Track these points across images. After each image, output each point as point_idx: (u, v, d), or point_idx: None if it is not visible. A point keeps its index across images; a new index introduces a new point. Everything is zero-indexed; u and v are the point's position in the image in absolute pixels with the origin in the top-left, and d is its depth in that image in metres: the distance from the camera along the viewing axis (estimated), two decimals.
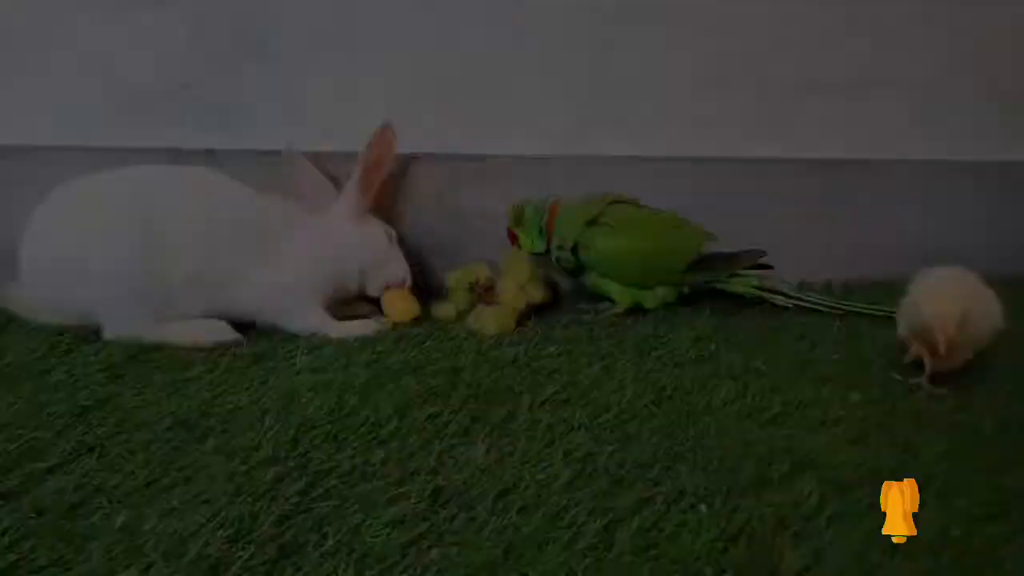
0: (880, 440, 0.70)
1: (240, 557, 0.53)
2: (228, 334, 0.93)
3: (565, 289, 1.16)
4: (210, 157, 1.08)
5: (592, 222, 1.04)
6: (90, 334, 0.93)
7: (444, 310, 1.05)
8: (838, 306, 1.05)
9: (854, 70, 1.14)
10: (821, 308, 1.05)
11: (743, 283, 1.06)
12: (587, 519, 0.58)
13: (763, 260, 1.06)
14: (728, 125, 1.15)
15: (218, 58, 1.07)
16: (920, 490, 0.57)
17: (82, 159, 1.05)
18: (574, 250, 1.04)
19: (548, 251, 1.06)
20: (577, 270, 1.07)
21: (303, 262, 0.95)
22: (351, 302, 1.04)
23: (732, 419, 0.74)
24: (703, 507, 0.60)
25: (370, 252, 1.01)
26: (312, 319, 0.96)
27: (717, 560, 0.53)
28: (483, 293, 1.04)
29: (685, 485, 0.62)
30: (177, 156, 1.08)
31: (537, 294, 1.05)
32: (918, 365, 0.83)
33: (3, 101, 1.07)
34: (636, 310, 1.06)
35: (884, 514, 0.57)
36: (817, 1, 1.11)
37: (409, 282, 1.04)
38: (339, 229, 1.00)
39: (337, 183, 1.05)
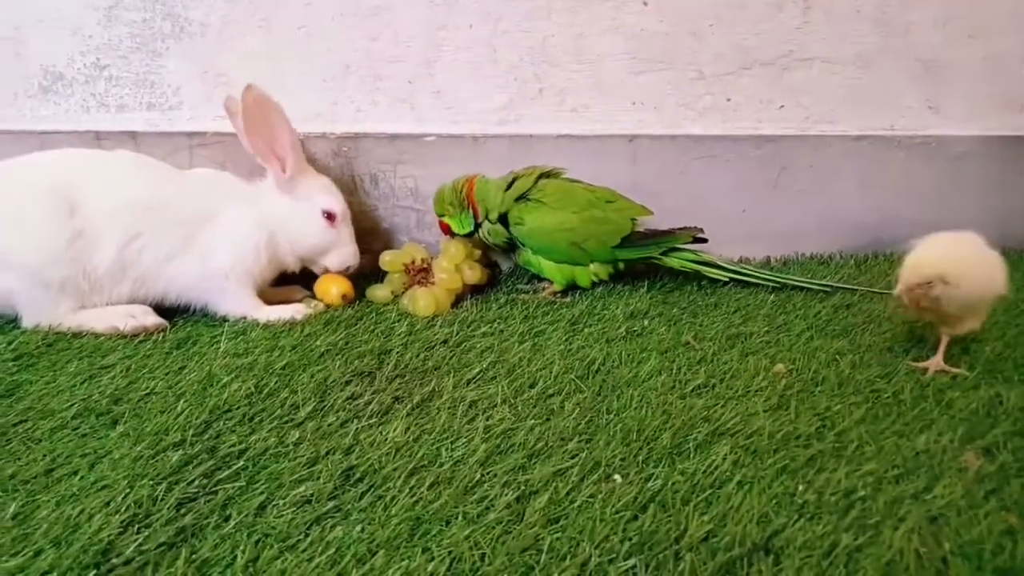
0: (800, 408, 0.70)
1: (134, 541, 0.51)
2: (150, 319, 0.90)
3: (504, 270, 1.15)
4: (132, 139, 1.05)
5: (522, 197, 1.02)
6: (5, 324, 0.89)
7: (379, 292, 1.03)
8: (774, 279, 1.05)
9: (788, 45, 1.14)
10: (757, 282, 1.05)
11: (679, 258, 1.06)
12: (499, 492, 0.57)
13: (699, 235, 1.06)
14: (664, 102, 1.15)
15: (136, 37, 1.04)
16: (832, 456, 0.57)
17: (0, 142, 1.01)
18: (503, 221, 1.03)
19: (477, 228, 1.04)
20: (510, 246, 1.06)
21: (232, 243, 0.92)
22: (286, 285, 1.01)
23: (655, 391, 0.73)
24: (617, 477, 0.59)
25: (302, 234, 0.96)
26: (241, 303, 0.93)
27: (624, 529, 0.53)
28: (418, 274, 1.03)
29: (601, 457, 0.62)
30: (98, 139, 1.04)
31: (473, 274, 1.03)
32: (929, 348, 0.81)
33: None
34: (572, 288, 1.05)
35: (794, 478, 0.57)
36: None
37: (353, 269, 1.00)
38: (269, 205, 0.95)
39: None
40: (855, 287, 1.04)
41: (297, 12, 1.05)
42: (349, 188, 1.10)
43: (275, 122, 0.91)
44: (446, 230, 1.06)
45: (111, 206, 0.88)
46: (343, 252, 0.98)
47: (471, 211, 1.03)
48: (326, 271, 1.00)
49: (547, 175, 1.05)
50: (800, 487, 0.57)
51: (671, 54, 1.13)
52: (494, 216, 1.03)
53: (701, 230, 1.06)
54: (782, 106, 1.18)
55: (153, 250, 0.89)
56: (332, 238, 0.97)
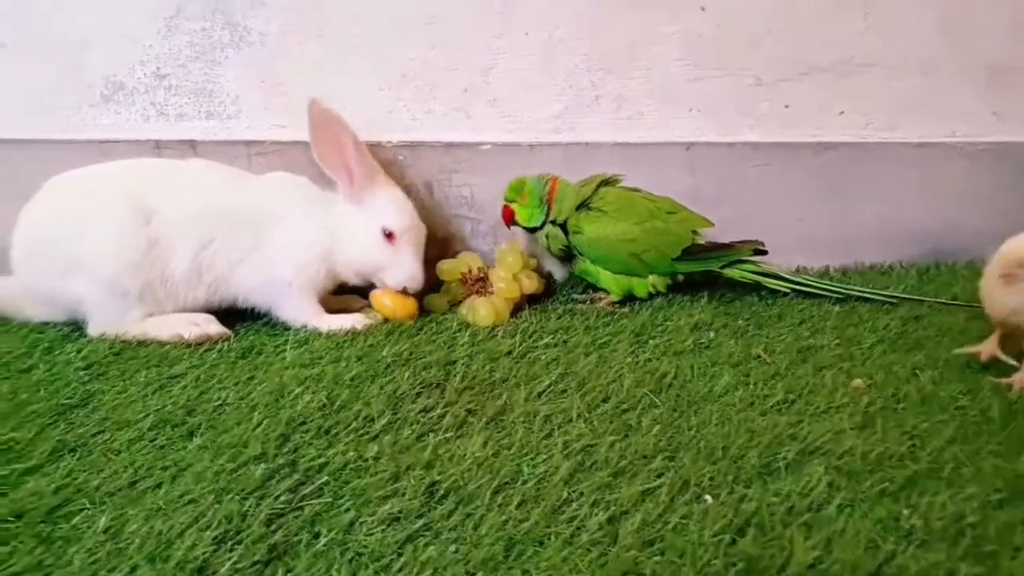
0: (887, 426, 0.68)
1: (228, 559, 0.51)
2: (213, 327, 0.90)
3: (557, 279, 1.14)
4: (192, 148, 1.05)
5: (582, 205, 1.01)
6: (72, 332, 0.90)
7: (437, 301, 1.02)
8: (837, 290, 1.03)
9: (847, 51, 1.12)
10: (819, 292, 1.03)
11: (739, 271, 1.04)
12: (589, 512, 0.56)
13: (759, 248, 1.04)
14: (722, 109, 1.13)
15: (196, 47, 1.04)
16: (930, 477, 0.56)
17: (60, 152, 1.02)
18: (563, 228, 1.01)
19: (542, 226, 1.03)
20: (566, 254, 1.05)
21: (295, 250, 0.91)
22: (345, 294, 1.01)
23: (734, 407, 0.72)
24: (708, 498, 0.58)
25: (357, 249, 0.93)
26: (303, 311, 0.93)
27: (726, 552, 0.51)
28: (475, 284, 1.02)
29: (689, 475, 0.60)
30: (158, 148, 1.05)
31: (530, 284, 1.02)
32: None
33: None
34: (630, 298, 1.04)
35: (896, 501, 0.55)
36: None
37: (413, 290, 0.95)
38: (336, 215, 0.93)
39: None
40: (923, 298, 1.01)
41: (355, 21, 1.05)
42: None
43: (340, 134, 0.91)
44: (509, 217, 1.04)
45: (184, 213, 0.88)
46: (400, 271, 0.94)
47: (547, 208, 1.01)
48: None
49: (607, 182, 1.03)
50: (904, 511, 0.55)
51: (728, 60, 1.11)
52: (560, 220, 1.02)
53: (761, 243, 1.04)
54: (841, 112, 1.16)
55: (225, 254, 0.90)
56: (388, 256, 0.93)
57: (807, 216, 1.17)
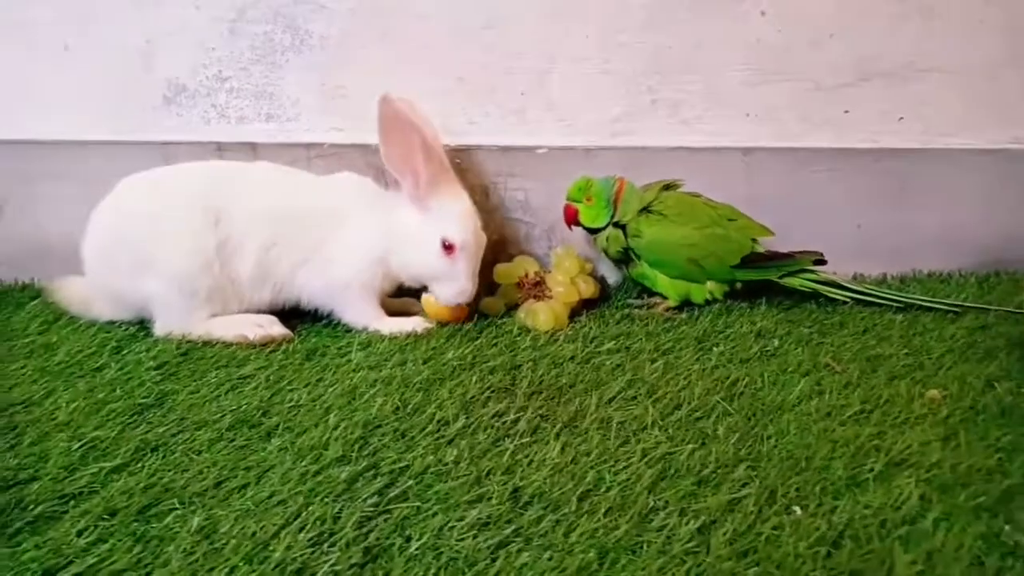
0: (970, 439, 0.67)
1: (326, 561, 0.51)
2: (276, 329, 0.91)
3: (611, 283, 1.14)
4: (252, 150, 1.06)
5: (644, 209, 1.01)
6: (138, 331, 0.91)
7: (492, 305, 1.02)
8: (898, 299, 1.02)
9: (909, 56, 1.11)
10: (880, 301, 1.02)
11: (799, 279, 1.03)
12: (678, 522, 0.56)
13: (819, 258, 1.03)
14: (779, 114, 1.12)
15: (257, 50, 1.05)
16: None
17: (125, 153, 1.04)
18: (624, 231, 1.01)
19: (605, 227, 1.02)
20: (623, 257, 1.04)
21: (353, 254, 0.91)
22: (405, 296, 1.01)
23: (811, 417, 0.71)
24: (797, 509, 0.57)
25: (414, 256, 0.91)
26: (364, 314, 0.94)
27: (824, 565, 0.51)
28: (532, 288, 1.02)
29: (775, 485, 0.60)
30: (219, 150, 1.06)
31: (588, 288, 1.02)
32: None
33: (45, 96, 1.06)
34: (686, 304, 1.03)
35: (994, 516, 0.54)
36: None
37: (463, 303, 0.93)
38: (397, 218, 0.91)
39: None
40: (988, 307, 1.00)
41: (415, 25, 1.05)
42: None
43: (409, 133, 0.88)
44: (572, 217, 1.03)
45: (251, 215, 0.89)
46: (453, 286, 0.91)
47: (613, 209, 1.01)
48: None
49: (668, 187, 1.03)
50: (1005, 527, 0.54)
51: (788, 65, 1.10)
52: (623, 222, 1.02)
53: (821, 254, 1.03)
54: (901, 118, 1.14)
55: (289, 256, 0.90)
56: (444, 268, 0.91)
57: (865, 223, 1.15)
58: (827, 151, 1.13)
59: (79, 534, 0.54)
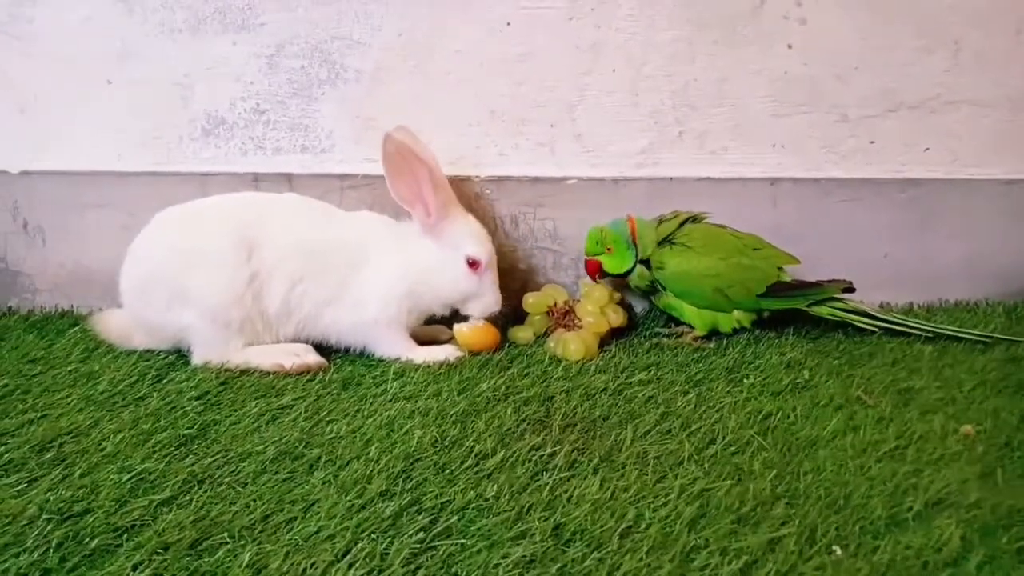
0: (1008, 477, 0.67)
1: None
2: (311, 357, 0.93)
3: (637, 311, 1.15)
4: (288, 181, 1.09)
5: (666, 241, 1.02)
6: (176, 360, 0.93)
7: (521, 334, 1.03)
8: (926, 328, 1.02)
9: (936, 88, 1.12)
10: (909, 331, 1.02)
11: (827, 308, 1.03)
12: (720, 561, 0.57)
13: (847, 286, 1.04)
14: (805, 145, 1.13)
15: (294, 83, 1.08)
16: None
17: (164, 183, 1.07)
18: (646, 264, 1.02)
19: (633, 268, 1.03)
20: (650, 289, 1.05)
21: (379, 292, 0.93)
22: (434, 324, 1.03)
23: (847, 453, 0.72)
24: (837, 549, 0.58)
25: (445, 282, 0.94)
26: (396, 347, 0.95)
27: None
28: (561, 317, 1.03)
29: (815, 524, 0.60)
30: (256, 180, 1.09)
31: (617, 318, 1.03)
32: None
33: (86, 128, 1.09)
34: (714, 333, 1.04)
35: None
36: (896, 19, 1.09)
37: (495, 314, 0.98)
38: (415, 250, 0.94)
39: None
40: (1019, 338, 1.00)
41: (448, 59, 1.08)
42: (490, 229, 1.10)
43: (415, 166, 0.91)
44: (595, 270, 1.05)
45: (280, 249, 0.91)
46: (486, 300, 0.96)
47: (635, 248, 1.02)
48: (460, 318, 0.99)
49: (692, 219, 1.04)
50: None
51: (814, 96, 1.12)
52: (643, 257, 1.03)
53: (849, 282, 1.04)
54: (927, 149, 1.15)
55: (313, 295, 0.92)
56: (475, 286, 0.95)
57: (891, 252, 1.16)
58: (853, 181, 1.14)
59: (134, 568, 0.56)
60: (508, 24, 1.07)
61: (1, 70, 1.06)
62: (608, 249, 1.02)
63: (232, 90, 1.09)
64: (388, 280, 0.93)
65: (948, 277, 1.17)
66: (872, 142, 1.14)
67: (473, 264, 0.94)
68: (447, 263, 0.94)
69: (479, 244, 0.95)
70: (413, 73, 1.08)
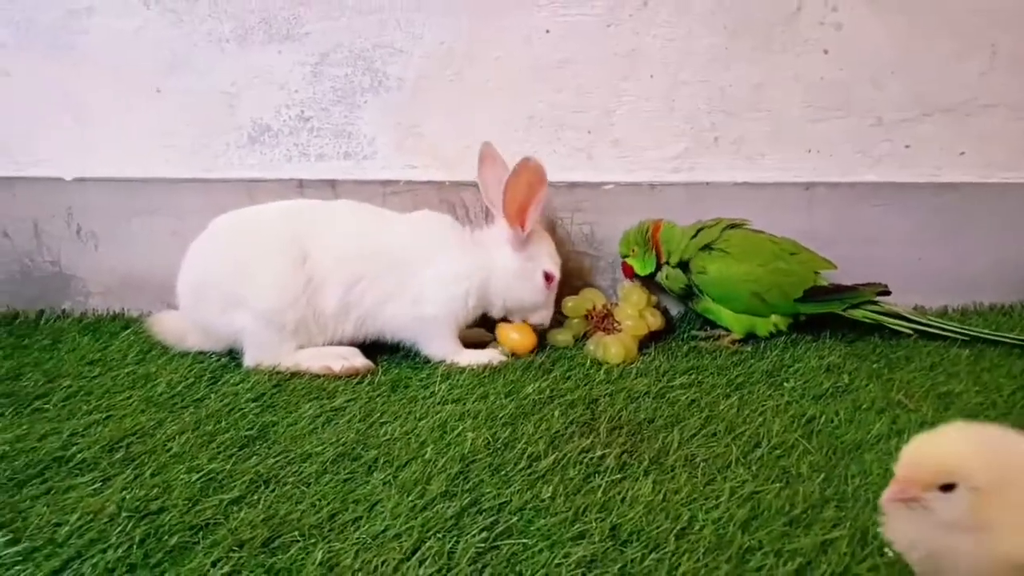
0: None
1: None
2: (359, 360, 0.96)
3: (674, 315, 1.17)
4: (331, 187, 1.12)
5: (707, 247, 1.04)
6: (229, 362, 0.96)
7: (560, 337, 1.06)
8: (962, 332, 1.03)
9: (971, 92, 1.13)
10: (945, 334, 1.04)
11: (862, 311, 1.05)
12: (775, 562, 0.59)
13: (883, 290, 1.05)
14: (840, 149, 1.14)
15: (338, 91, 1.10)
16: None
17: (212, 190, 1.10)
18: (683, 268, 1.04)
19: (658, 270, 1.06)
20: (686, 293, 1.07)
21: (442, 290, 0.96)
22: (474, 326, 1.05)
23: (893, 457, 0.72)
24: (889, 551, 0.60)
25: (523, 291, 0.99)
26: (445, 346, 0.98)
27: None
28: (600, 321, 1.05)
29: (865, 526, 0.62)
30: (301, 187, 1.11)
31: (655, 321, 1.05)
32: None
33: (136, 135, 1.12)
34: (750, 336, 1.05)
35: None
36: (931, 24, 1.10)
37: (546, 325, 1.03)
38: (497, 257, 0.98)
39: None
40: None
41: (487, 66, 1.10)
42: None
43: (538, 187, 0.95)
44: (628, 272, 1.08)
45: (337, 253, 0.94)
46: (547, 312, 1.02)
47: (655, 252, 1.05)
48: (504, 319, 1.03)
49: (733, 226, 1.06)
50: None
51: (850, 101, 1.13)
52: (674, 261, 1.05)
53: (885, 285, 1.05)
54: (962, 153, 1.16)
55: (373, 292, 0.95)
56: (544, 298, 1.01)
57: (925, 255, 1.17)
58: (888, 185, 1.15)
59: (213, 564, 0.59)
60: (547, 32, 1.09)
61: (56, 80, 1.09)
62: (633, 251, 1.05)
63: (277, 98, 1.11)
64: (451, 278, 0.96)
65: (982, 280, 1.18)
66: (907, 146, 1.15)
67: (548, 279, 1.00)
68: (527, 274, 0.99)
69: (555, 261, 1.01)
70: (453, 81, 1.10)
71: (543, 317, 1.02)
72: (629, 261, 1.08)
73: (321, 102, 1.11)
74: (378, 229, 0.98)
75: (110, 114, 1.11)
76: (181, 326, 0.99)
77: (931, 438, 0.49)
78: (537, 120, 1.12)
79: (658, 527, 0.63)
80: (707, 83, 1.12)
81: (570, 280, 1.16)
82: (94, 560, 0.59)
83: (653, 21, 1.09)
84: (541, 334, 1.03)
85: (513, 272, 0.98)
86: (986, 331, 1.04)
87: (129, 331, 1.07)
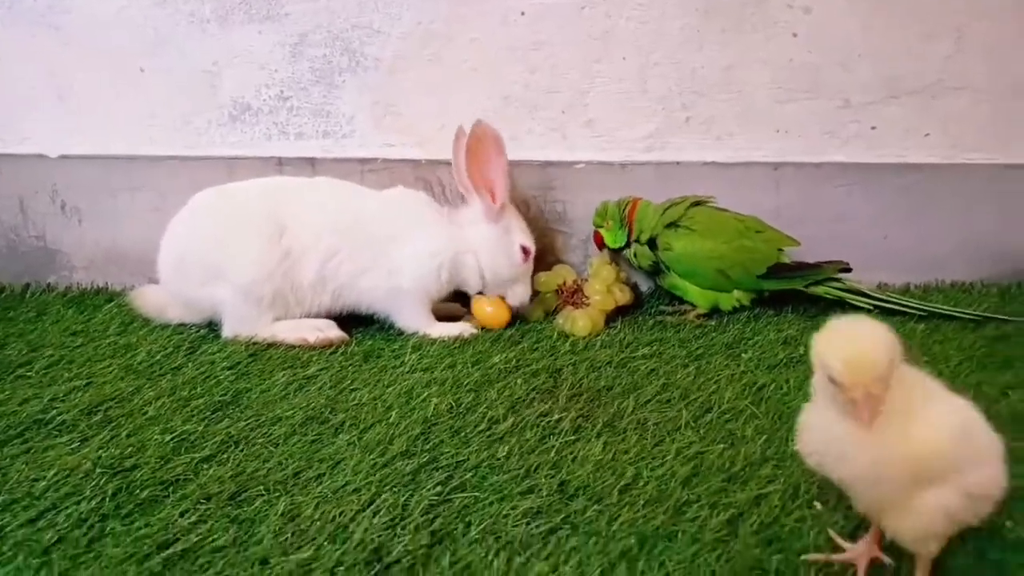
0: None
1: (400, 542, 0.58)
2: (333, 332, 0.99)
3: (643, 290, 1.20)
4: (310, 165, 1.14)
5: (673, 224, 1.07)
6: (208, 333, 1.00)
7: (533, 311, 1.09)
8: (921, 308, 1.06)
9: (938, 74, 1.15)
10: (903, 310, 1.07)
11: (824, 288, 1.08)
12: (709, 513, 0.62)
13: (844, 267, 1.08)
14: (808, 130, 1.17)
15: (317, 71, 1.13)
16: None
17: (194, 167, 1.13)
18: (651, 245, 1.07)
19: (627, 246, 1.10)
20: (654, 269, 1.11)
21: (416, 263, 0.99)
22: (448, 301, 1.08)
23: None
24: (818, 504, 0.63)
25: (500, 264, 1.01)
26: (418, 319, 1.01)
27: None
28: (570, 296, 1.08)
29: (798, 483, 0.66)
30: (280, 164, 1.14)
31: (623, 295, 1.08)
32: None
33: (120, 114, 1.15)
34: (716, 311, 1.09)
35: (998, 514, 0.59)
36: (899, 7, 1.12)
37: (526, 302, 1.05)
38: (474, 230, 1.00)
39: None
40: (1009, 317, 1.04)
41: (464, 48, 1.12)
42: None
43: (495, 156, 0.98)
44: (599, 241, 1.11)
45: (313, 228, 0.97)
46: (524, 289, 1.04)
47: (627, 229, 1.08)
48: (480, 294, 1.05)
49: (698, 204, 1.09)
50: (1007, 523, 0.59)
51: (818, 83, 1.15)
52: (644, 238, 1.08)
53: (846, 263, 1.08)
54: (928, 134, 1.18)
55: (349, 265, 0.98)
56: (522, 273, 1.03)
57: (891, 234, 1.20)
58: (854, 166, 1.17)
59: (182, 515, 0.62)
60: (522, 14, 1.11)
61: (41, 59, 1.12)
62: (607, 223, 1.08)
63: (257, 78, 1.14)
64: (426, 253, 0.99)
65: (945, 259, 1.21)
66: (873, 128, 1.17)
67: (525, 252, 1.02)
68: (504, 246, 1.01)
69: (528, 235, 1.04)
70: (430, 61, 1.13)
71: (521, 296, 1.03)
72: (602, 232, 1.11)
73: (300, 82, 1.14)
74: (354, 205, 1.01)
75: (94, 93, 1.14)
76: (162, 299, 1.02)
77: (858, 340, 0.49)
78: (512, 100, 1.15)
79: (604, 483, 0.67)
80: (679, 64, 1.14)
81: (543, 257, 1.19)
82: (68, 511, 0.62)
83: (626, 3, 1.11)
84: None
85: (491, 245, 1.00)
86: (944, 307, 1.07)
87: (112, 304, 1.10)
